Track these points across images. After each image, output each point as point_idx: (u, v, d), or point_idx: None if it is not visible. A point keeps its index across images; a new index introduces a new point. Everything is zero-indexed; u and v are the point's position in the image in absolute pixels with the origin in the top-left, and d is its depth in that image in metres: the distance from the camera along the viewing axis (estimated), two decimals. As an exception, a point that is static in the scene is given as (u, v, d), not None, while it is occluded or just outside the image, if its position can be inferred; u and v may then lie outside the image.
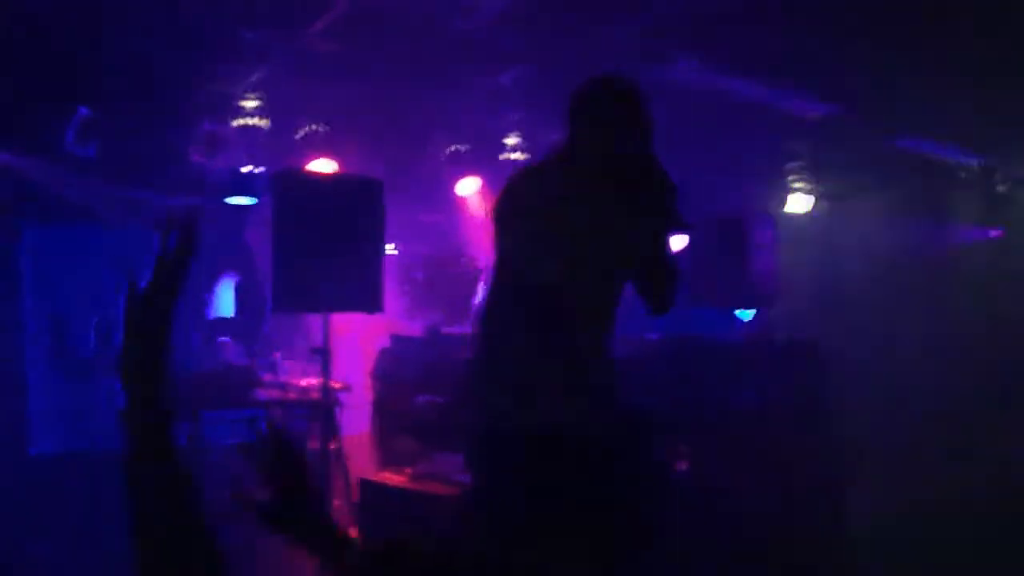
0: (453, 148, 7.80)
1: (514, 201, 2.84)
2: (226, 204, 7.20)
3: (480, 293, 7.19)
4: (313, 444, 4.87)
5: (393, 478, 4.38)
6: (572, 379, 2.65)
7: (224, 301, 7.39)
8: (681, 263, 6.59)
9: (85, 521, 5.48)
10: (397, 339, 5.47)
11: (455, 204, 8.25)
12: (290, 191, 4.65)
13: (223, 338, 6.82)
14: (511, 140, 7.92)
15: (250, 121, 6.84)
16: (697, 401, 4.97)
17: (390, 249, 8.03)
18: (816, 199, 9.54)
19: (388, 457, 4.85)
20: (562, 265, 2.73)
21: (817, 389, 5.39)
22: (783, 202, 9.34)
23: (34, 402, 6.24)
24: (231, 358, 5.77)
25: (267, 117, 6.85)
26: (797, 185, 9.37)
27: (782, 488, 5.07)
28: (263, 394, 5.10)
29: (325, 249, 4.56)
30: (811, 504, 5.23)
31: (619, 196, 2.80)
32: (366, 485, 4.52)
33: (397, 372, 5.09)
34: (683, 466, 4.82)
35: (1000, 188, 9.12)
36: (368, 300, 4.68)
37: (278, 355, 5.77)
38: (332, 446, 4.73)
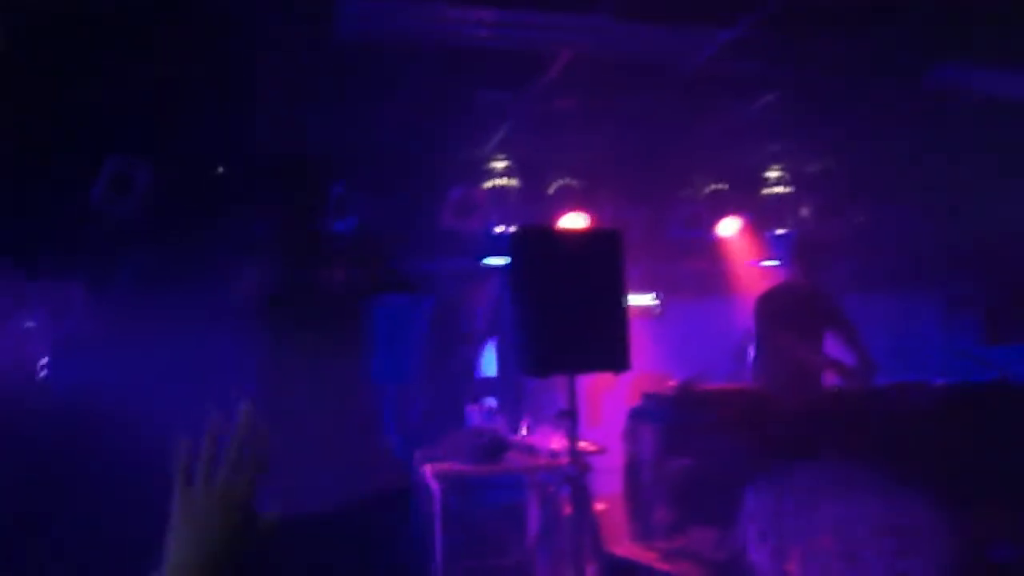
0: (711, 188, 7.42)
1: None
2: (485, 265, 7.24)
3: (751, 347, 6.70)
4: (566, 510, 4.65)
5: (641, 554, 4.06)
6: None
7: (487, 362, 7.41)
8: (972, 294, 5.83)
9: None
10: (648, 397, 5.16)
11: (718, 248, 7.85)
12: (528, 250, 4.50)
13: (489, 399, 6.80)
14: (773, 173, 7.46)
15: (499, 182, 6.87)
16: (1005, 461, 4.24)
17: (648, 299, 7.77)
18: None
19: (640, 527, 4.54)
20: None
21: None
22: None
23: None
24: (477, 420, 5.71)
25: (516, 176, 6.85)
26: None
27: None
28: (511, 459, 4.96)
29: (566, 307, 4.37)
30: None
31: None
32: (611, 560, 4.23)
33: (647, 434, 4.78)
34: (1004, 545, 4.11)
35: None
36: (613, 359, 4.42)
37: (527, 418, 5.64)
38: (587, 511, 4.48)
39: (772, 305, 5.67)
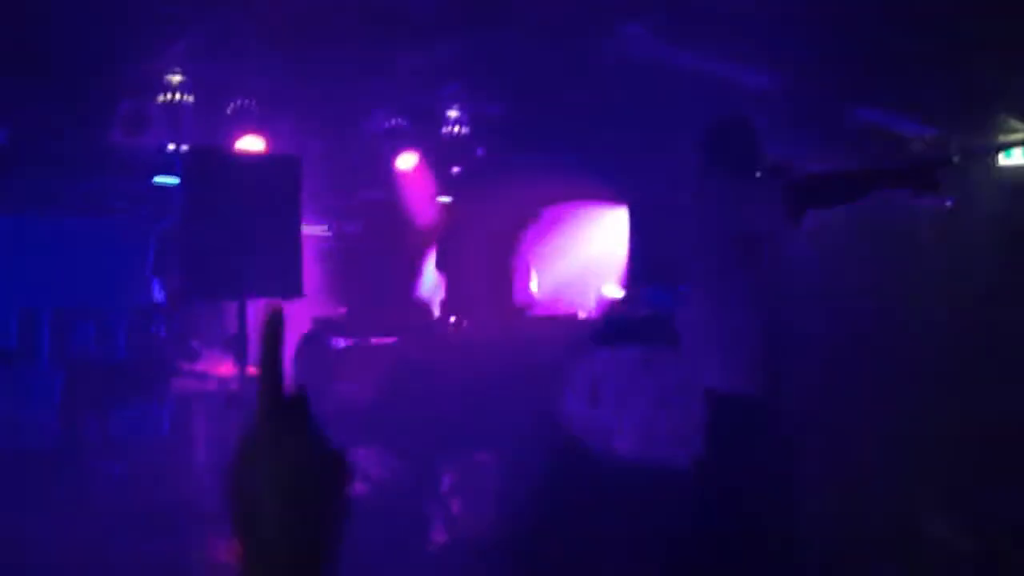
0: (392, 123, 7.53)
1: None
2: (156, 185, 6.93)
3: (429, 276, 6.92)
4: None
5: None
6: None
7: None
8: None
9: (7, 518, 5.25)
10: (317, 322, 5.25)
11: (396, 180, 8.01)
12: (203, 170, 4.40)
13: (157, 326, 6.58)
14: (453, 113, 7.69)
15: (175, 97, 6.55)
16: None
17: (320, 230, 7.81)
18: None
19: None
20: None
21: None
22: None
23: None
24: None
25: (193, 93, 6.56)
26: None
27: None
28: (181, 384, 4.88)
29: (239, 232, 4.33)
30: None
31: None
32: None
33: (316, 358, 4.88)
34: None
35: (954, 159, 8.97)
36: (286, 285, 4.45)
37: (195, 343, 5.53)
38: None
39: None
